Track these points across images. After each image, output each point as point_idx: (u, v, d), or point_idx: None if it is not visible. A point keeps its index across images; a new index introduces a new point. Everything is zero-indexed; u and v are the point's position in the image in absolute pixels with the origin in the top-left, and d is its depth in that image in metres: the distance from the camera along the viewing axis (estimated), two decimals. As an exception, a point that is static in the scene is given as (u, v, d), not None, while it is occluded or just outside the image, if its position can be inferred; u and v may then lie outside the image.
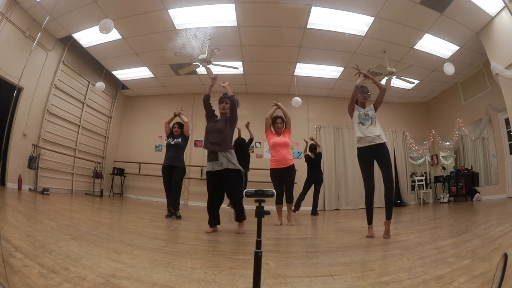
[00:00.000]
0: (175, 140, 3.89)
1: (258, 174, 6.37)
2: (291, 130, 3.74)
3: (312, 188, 5.47)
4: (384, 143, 2.67)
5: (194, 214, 4.50)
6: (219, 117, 2.88)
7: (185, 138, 3.96)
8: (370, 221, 2.64)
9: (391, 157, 2.85)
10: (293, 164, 3.65)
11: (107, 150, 7.82)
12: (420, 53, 5.78)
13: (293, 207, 5.20)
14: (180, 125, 3.98)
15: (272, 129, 3.70)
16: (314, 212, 5.36)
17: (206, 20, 5.06)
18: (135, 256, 1.58)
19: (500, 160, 5.97)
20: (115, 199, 6.70)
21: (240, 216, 2.76)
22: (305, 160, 5.52)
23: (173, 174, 3.80)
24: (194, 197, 7.26)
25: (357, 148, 2.77)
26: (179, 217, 3.61)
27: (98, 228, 2.45)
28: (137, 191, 7.79)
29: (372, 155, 2.68)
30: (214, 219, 2.73)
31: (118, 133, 8.36)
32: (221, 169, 2.65)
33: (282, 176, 3.58)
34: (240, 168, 2.70)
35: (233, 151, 2.75)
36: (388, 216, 2.51)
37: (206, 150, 2.81)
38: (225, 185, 2.71)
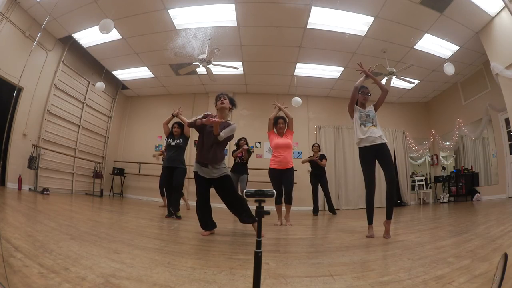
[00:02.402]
0: (175, 141, 3.89)
1: (258, 174, 6.36)
2: (293, 131, 3.75)
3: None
4: (385, 143, 2.68)
5: (194, 214, 4.49)
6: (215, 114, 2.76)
7: (185, 139, 3.96)
8: (370, 221, 2.65)
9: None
10: (293, 166, 3.66)
11: (107, 150, 7.82)
12: (420, 53, 5.78)
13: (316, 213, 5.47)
14: (180, 125, 3.98)
15: (274, 129, 3.69)
16: (332, 210, 5.60)
17: (206, 20, 5.06)
18: (135, 256, 1.58)
19: (500, 160, 5.97)
20: (115, 199, 6.69)
21: (247, 215, 2.50)
22: (309, 161, 5.71)
23: (173, 175, 3.81)
24: (195, 197, 7.23)
25: (359, 148, 2.77)
26: (179, 217, 3.62)
27: (98, 228, 2.45)
28: (137, 191, 7.79)
29: (374, 155, 2.68)
30: (208, 225, 2.58)
31: (118, 133, 8.36)
32: (208, 177, 2.56)
33: (281, 177, 3.58)
34: (228, 173, 2.62)
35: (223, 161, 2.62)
36: (388, 216, 2.51)
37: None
38: (220, 194, 2.60)
